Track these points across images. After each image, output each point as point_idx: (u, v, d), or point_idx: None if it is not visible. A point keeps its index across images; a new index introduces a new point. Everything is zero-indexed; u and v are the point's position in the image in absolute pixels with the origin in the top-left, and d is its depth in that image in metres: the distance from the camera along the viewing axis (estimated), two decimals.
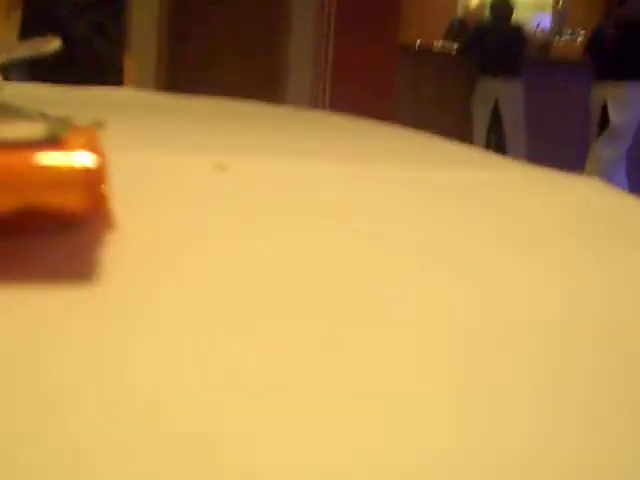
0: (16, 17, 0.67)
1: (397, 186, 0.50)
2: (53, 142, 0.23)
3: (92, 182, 0.24)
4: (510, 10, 5.49)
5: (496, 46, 5.28)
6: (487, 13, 5.77)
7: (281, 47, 5.80)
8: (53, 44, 0.81)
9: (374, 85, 5.57)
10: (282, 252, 0.32)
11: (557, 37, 6.75)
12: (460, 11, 7.30)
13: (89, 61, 1.54)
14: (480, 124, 5.40)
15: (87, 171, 0.23)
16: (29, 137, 0.24)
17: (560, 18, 7.09)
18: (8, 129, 0.24)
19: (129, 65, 2.48)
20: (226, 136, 0.67)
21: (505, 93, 5.32)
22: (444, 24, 6.90)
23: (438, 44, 6.32)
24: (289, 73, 5.81)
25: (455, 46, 5.90)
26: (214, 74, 5.20)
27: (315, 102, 5.51)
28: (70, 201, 0.23)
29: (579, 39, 6.76)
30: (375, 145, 0.77)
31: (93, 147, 0.24)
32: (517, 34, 5.46)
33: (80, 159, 0.23)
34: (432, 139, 0.84)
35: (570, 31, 6.80)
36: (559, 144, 5.54)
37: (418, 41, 6.27)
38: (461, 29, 6.19)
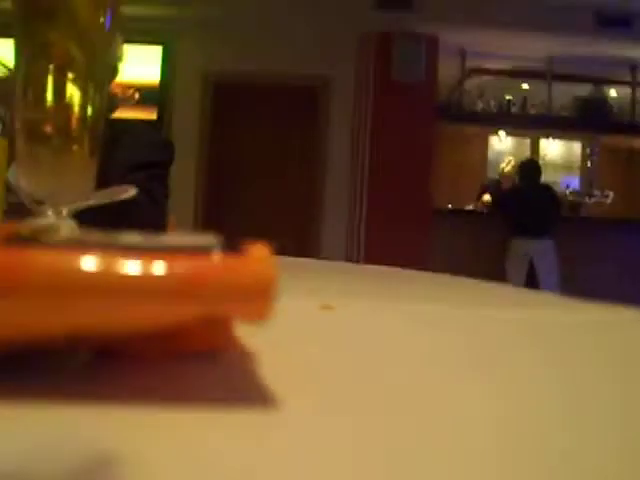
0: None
1: (507, 325, 0.51)
2: (234, 251, 0.21)
3: (272, 292, 0.21)
4: (538, 170, 5.65)
5: (528, 207, 5.40)
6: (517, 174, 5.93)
7: (314, 230, 5.98)
8: (129, 193, 0.82)
9: (409, 250, 5.66)
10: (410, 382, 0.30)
11: (587, 198, 6.88)
12: (490, 177, 7.54)
13: (134, 218, 1.57)
14: (516, 281, 5.40)
15: (270, 281, 0.21)
16: (205, 244, 0.21)
17: (589, 179, 7.27)
18: (178, 239, 0.22)
19: (171, 226, 2.55)
20: (326, 285, 0.70)
21: (539, 252, 5.38)
22: (474, 189, 7.12)
23: (469, 207, 6.47)
24: (321, 247, 5.94)
25: (486, 207, 6.03)
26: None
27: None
28: (253, 309, 0.21)
29: (608, 200, 6.88)
30: (461, 291, 0.77)
31: (270, 258, 0.22)
32: (547, 195, 5.58)
33: (266, 269, 0.21)
34: (504, 286, 0.83)
35: (599, 192, 6.94)
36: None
37: (450, 206, 6.44)
38: (496, 190, 6.34)
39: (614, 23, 5.91)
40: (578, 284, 5.63)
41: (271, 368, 0.29)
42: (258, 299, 0.22)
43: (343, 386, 0.28)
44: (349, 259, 5.79)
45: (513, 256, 5.49)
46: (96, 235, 0.21)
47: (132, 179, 1.73)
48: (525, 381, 0.33)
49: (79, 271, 0.20)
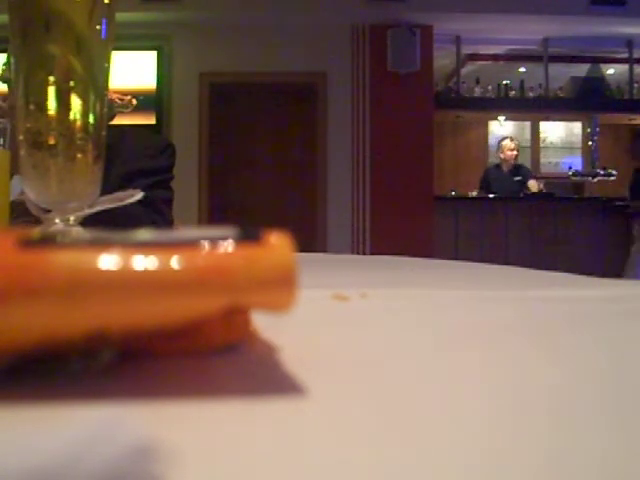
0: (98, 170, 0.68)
1: (540, 303, 0.50)
2: (254, 241, 0.21)
3: (295, 280, 0.22)
4: None
5: None
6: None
7: (319, 224, 5.97)
8: (135, 197, 0.82)
9: (414, 238, 5.65)
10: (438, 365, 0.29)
11: (590, 177, 6.84)
12: (491, 161, 7.53)
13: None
14: None
15: (293, 269, 0.21)
16: (227, 235, 0.22)
17: (591, 159, 7.23)
18: (196, 232, 0.22)
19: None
20: (338, 276, 0.69)
21: None
22: (477, 175, 7.11)
23: (473, 194, 6.46)
24: (327, 240, 5.94)
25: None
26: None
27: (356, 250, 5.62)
28: (276, 299, 0.21)
29: (612, 178, 6.84)
30: (477, 274, 0.77)
31: (290, 247, 0.22)
32: None
33: (287, 257, 0.21)
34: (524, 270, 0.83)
35: (602, 171, 6.90)
36: None
37: (453, 193, 6.43)
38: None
39: (608, 1, 5.87)
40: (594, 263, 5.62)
41: (293, 358, 0.29)
42: (282, 288, 0.22)
43: (369, 372, 0.28)
44: (355, 251, 5.79)
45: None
46: (110, 234, 0.22)
47: (132, 186, 1.70)
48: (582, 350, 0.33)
49: (100, 269, 0.20)
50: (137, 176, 1.72)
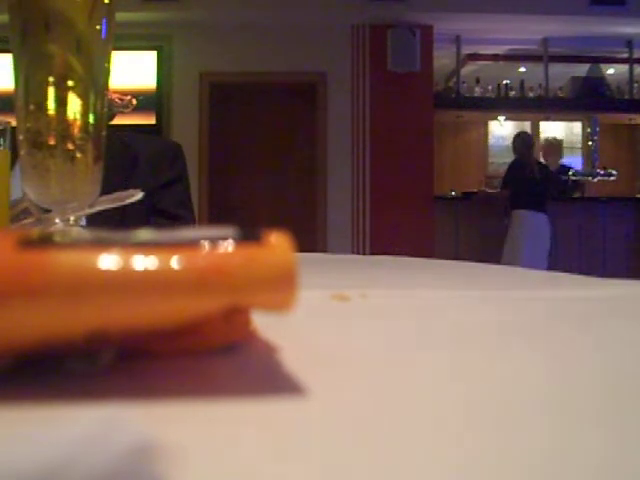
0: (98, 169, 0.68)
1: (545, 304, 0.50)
2: (254, 241, 0.21)
3: (296, 280, 0.22)
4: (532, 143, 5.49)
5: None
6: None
7: (319, 224, 5.97)
8: (135, 196, 0.82)
9: (414, 238, 5.66)
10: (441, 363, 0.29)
11: (591, 177, 6.84)
12: (491, 161, 7.55)
13: None
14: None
15: (293, 269, 0.21)
16: (227, 235, 0.22)
17: (591, 159, 7.23)
18: (196, 233, 0.22)
19: None
20: (339, 277, 0.69)
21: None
22: (477, 175, 7.11)
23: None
24: (327, 240, 5.94)
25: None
26: None
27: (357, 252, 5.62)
28: (276, 299, 0.21)
29: (612, 178, 6.84)
30: (475, 274, 0.77)
31: (290, 247, 0.22)
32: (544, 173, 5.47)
33: (287, 257, 0.21)
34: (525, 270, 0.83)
35: (603, 171, 6.89)
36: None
37: (453, 193, 6.44)
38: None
39: (608, 1, 5.87)
40: (587, 263, 5.63)
41: (293, 358, 0.29)
42: (283, 288, 0.22)
43: (369, 372, 0.28)
44: (355, 251, 5.79)
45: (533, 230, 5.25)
46: (110, 234, 0.22)
47: (162, 206, 1.69)
48: (580, 354, 0.33)
49: (100, 269, 0.20)
50: (160, 192, 1.69)
